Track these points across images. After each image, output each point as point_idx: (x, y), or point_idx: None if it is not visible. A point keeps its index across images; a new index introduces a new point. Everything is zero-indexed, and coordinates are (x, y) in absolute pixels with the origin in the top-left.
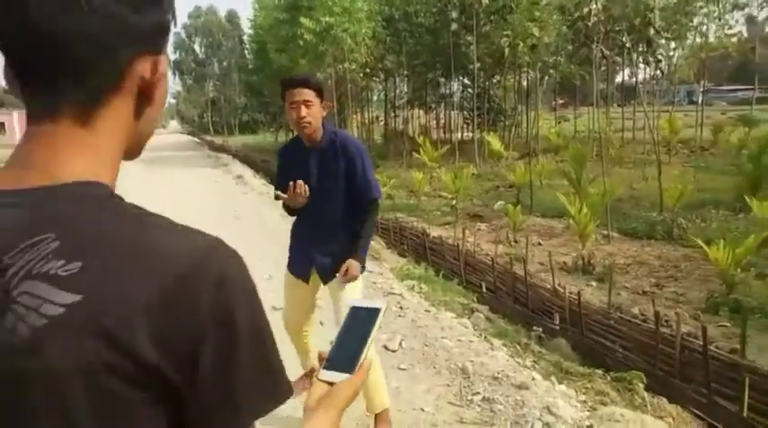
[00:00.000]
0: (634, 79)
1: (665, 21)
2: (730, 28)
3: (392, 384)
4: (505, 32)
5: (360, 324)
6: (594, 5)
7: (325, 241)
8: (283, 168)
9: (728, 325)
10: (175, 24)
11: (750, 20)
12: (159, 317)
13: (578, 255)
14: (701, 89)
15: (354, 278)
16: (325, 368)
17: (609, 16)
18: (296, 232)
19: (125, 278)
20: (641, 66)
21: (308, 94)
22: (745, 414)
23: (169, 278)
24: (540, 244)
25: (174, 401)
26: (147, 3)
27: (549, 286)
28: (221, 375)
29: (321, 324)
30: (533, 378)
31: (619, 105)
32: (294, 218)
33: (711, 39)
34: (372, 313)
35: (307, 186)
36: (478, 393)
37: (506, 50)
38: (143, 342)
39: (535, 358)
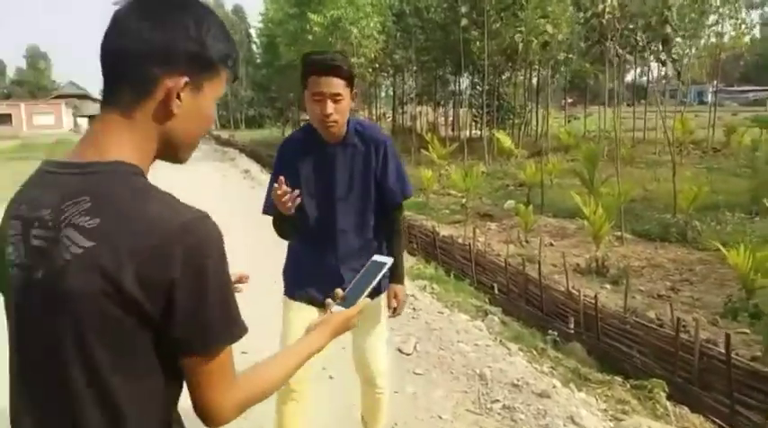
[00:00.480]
0: (644, 78)
1: (680, 19)
2: (747, 27)
3: (408, 389)
4: (518, 29)
5: (371, 273)
6: (610, 2)
7: (356, 256)
8: (289, 167)
9: (748, 331)
10: (227, 64)
11: (766, 20)
12: (142, 264)
13: (592, 257)
14: (713, 89)
15: (402, 307)
16: (338, 304)
17: (624, 13)
18: (307, 249)
19: (124, 233)
20: (653, 65)
21: (338, 85)
22: None
23: (156, 236)
24: (551, 244)
25: (154, 328)
26: (181, 33)
27: (562, 288)
28: (194, 312)
29: (330, 377)
30: (554, 386)
31: (629, 105)
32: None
33: (726, 39)
34: (381, 265)
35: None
36: (498, 401)
37: (519, 46)
38: (128, 279)
39: (553, 363)
